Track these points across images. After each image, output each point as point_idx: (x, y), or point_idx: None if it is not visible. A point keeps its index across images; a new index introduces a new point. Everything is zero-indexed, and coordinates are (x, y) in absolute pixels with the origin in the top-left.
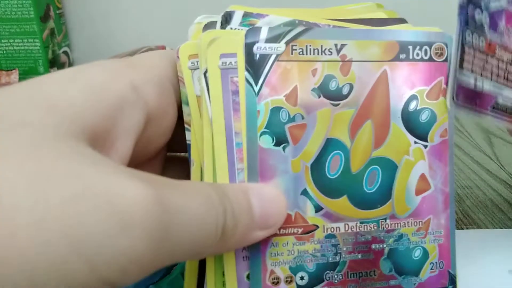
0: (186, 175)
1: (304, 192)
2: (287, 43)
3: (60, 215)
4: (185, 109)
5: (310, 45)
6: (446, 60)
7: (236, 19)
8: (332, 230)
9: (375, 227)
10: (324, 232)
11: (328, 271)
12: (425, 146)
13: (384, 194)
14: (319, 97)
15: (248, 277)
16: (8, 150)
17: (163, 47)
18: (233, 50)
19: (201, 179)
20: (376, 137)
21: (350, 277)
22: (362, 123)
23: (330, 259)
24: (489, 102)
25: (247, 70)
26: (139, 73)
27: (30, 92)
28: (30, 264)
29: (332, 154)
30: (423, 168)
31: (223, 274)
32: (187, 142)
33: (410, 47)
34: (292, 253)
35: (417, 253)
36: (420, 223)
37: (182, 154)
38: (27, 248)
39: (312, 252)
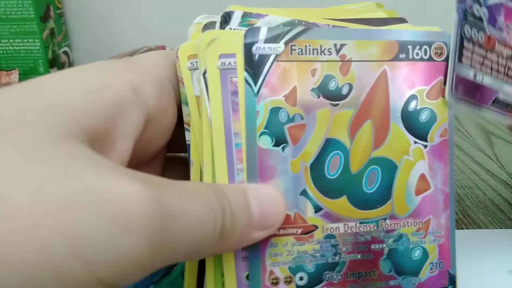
0: (186, 176)
1: (304, 193)
2: (286, 43)
3: (59, 216)
4: (184, 109)
5: (309, 45)
6: (446, 59)
7: (235, 19)
8: (332, 230)
9: (375, 227)
10: (323, 232)
11: (328, 272)
12: (425, 146)
13: (384, 194)
14: (319, 97)
15: (247, 277)
16: (7, 151)
17: (163, 47)
18: (232, 51)
19: (201, 179)
20: (375, 137)
21: (350, 277)
22: (361, 123)
23: (330, 259)
24: (490, 96)
25: (246, 70)
26: (138, 74)
27: (30, 93)
28: (29, 265)
29: (331, 154)
30: (423, 168)
31: (223, 275)
32: (187, 142)
33: (410, 47)
34: (292, 253)
35: (417, 253)
36: (420, 223)
37: (182, 154)
38: (25, 249)
39: (312, 253)
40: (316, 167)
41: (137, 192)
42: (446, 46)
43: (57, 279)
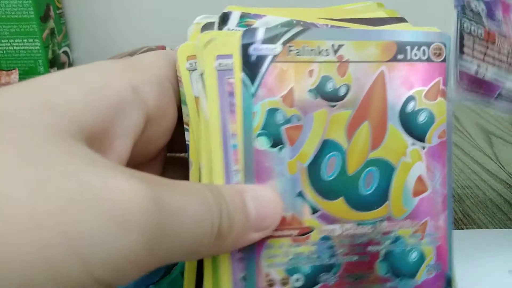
0: (186, 176)
1: (300, 194)
2: (283, 44)
3: (57, 214)
4: (184, 109)
5: (307, 46)
6: (444, 60)
7: (233, 19)
8: (328, 232)
9: (372, 229)
10: (319, 234)
11: (324, 273)
12: (423, 148)
13: (381, 196)
14: (316, 98)
15: (243, 278)
16: (6, 150)
17: (163, 47)
18: (229, 51)
19: (200, 180)
20: (373, 139)
21: (346, 279)
22: (359, 125)
23: (326, 261)
24: (495, 88)
25: (243, 71)
26: (138, 74)
27: (29, 92)
28: (26, 264)
29: (328, 155)
30: (420, 170)
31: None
32: (187, 142)
33: (408, 48)
34: (288, 255)
35: (414, 255)
36: (417, 225)
37: (183, 154)
38: (23, 248)
39: (308, 254)
40: (313, 168)
41: (135, 191)
42: (445, 47)
43: (55, 279)
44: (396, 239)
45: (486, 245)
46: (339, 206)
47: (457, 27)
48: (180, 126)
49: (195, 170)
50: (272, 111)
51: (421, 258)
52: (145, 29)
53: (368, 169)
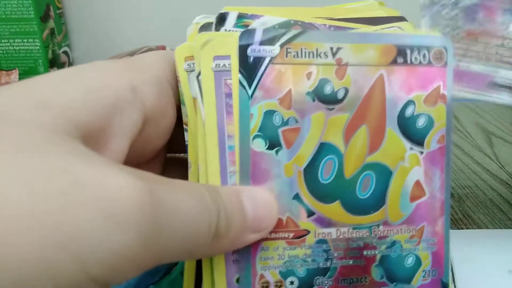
0: (186, 177)
1: (296, 197)
2: (281, 46)
3: (49, 210)
4: (184, 109)
5: (305, 48)
6: (445, 64)
7: (230, 20)
8: (324, 235)
9: (368, 233)
10: (315, 237)
11: (319, 277)
12: (421, 152)
13: (378, 200)
14: (314, 101)
15: (237, 280)
16: (3, 148)
17: (163, 47)
18: (227, 52)
19: (198, 181)
20: (371, 142)
21: (341, 283)
22: (357, 128)
23: (321, 264)
24: (482, 81)
25: (240, 72)
26: (137, 74)
27: (27, 92)
28: (16, 261)
29: (325, 158)
30: (418, 175)
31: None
32: (186, 142)
33: (408, 51)
34: (283, 257)
35: (410, 261)
36: (414, 230)
37: (182, 155)
38: (13, 245)
39: (303, 257)
40: (310, 171)
41: (131, 187)
42: (446, 51)
43: (45, 276)
44: (392, 244)
45: (486, 245)
46: (335, 209)
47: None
48: (179, 126)
49: (194, 170)
50: (269, 113)
51: (417, 263)
52: (145, 29)
53: (365, 173)
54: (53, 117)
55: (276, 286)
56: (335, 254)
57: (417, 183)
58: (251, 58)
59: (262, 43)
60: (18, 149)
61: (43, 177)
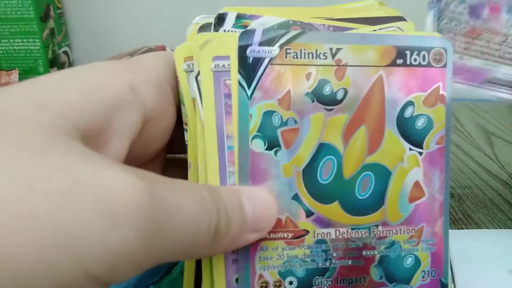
0: (186, 177)
1: (295, 197)
2: (281, 47)
3: (49, 210)
4: (183, 109)
5: (304, 49)
6: (445, 65)
7: (229, 21)
8: (323, 235)
9: (367, 234)
10: (314, 237)
11: (318, 277)
12: (420, 153)
13: (377, 201)
14: (313, 101)
15: (237, 280)
16: (3, 147)
17: (163, 47)
18: (226, 53)
19: (198, 181)
20: (370, 143)
21: (340, 283)
22: (356, 129)
23: (320, 264)
24: (481, 76)
25: (240, 73)
26: (137, 74)
27: (28, 92)
28: (13, 256)
29: (324, 159)
30: (417, 175)
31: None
32: (186, 143)
33: (408, 52)
34: (282, 257)
35: (409, 261)
36: (413, 230)
37: (183, 155)
38: (11, 243)
39: (302, 257)
40: (309, 171)
41: (130, 186)
42: (446, 52)
43: (43, 275)
44: (392, 244)
45: (486, 245)
46: (334, 209)
47: (435, 26)
48: (179, 126)
49: (193, 170)
50: (268, 114)
51: (416, 264)
52: (145, 29)
53: (364, 173)
54: (53, 117)
55: (275, 286)
56: (334, 254)
57: (416, 184)
58: (251, 59)
59: (261, 43)
60: (18, 149)
61: (43, 176)
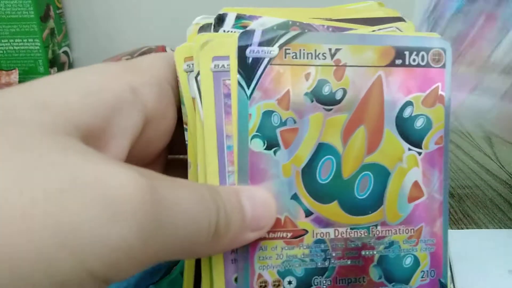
0: (187, 177)
1: (295, 197)
2: (280, 47)
3: (46, 204)
4: (184, 109)
5: (303, 49)
6: (444, 66)
7: (229, 21)
8: (322, 235)
9: (366, 234)
10: (313, 237)
11: (317, 276)
12: (419, 153)
13: (376, 201)
14: (312, 101)
15: (236, 280)
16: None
17: (163, 47)
18: (226, 53)
19: (197, 181)
20: (369, 143)
21: (339, 283)
22: (355, 129)
23: (319, 264)
24: (469, 84)
25: (239, 73)
26: (137, 76)
27: (25, 93)
28: (13, 255)
29: (323, 159)
30: (416, 175)
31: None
32: (186, 143)
33: (407, 53)
34: (281, 257)
35: (408, 261)
36: (412, 230)
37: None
38: (10, 239)
39: (301, 257)
40: (308, 171)
41: (132, 183)
42: (445, 53)
43: (42, 271)
44: (391, 244)
45: (486, 245)
46: (333, 209)
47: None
48: (180, 127)
49: (193, 170)
50: (267, 114)
51: (416, 264)
52: (145, 29)
53: (363, 173)
54: (53, 118)
55: (274, 285)
56: (333, 254)
57: (415, 184)
58: (250, 59)
59: (261, 44)
60: (18, 148)
61: (43, 175)
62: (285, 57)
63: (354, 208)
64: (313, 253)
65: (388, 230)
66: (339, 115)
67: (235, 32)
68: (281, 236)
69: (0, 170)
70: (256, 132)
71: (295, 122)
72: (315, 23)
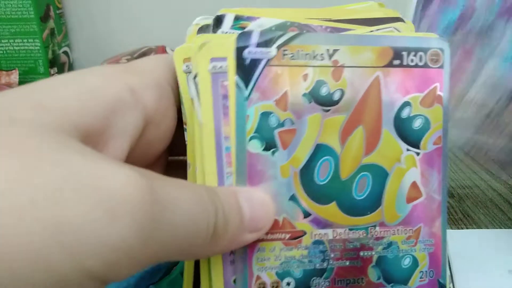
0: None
1: (293, 198)
2: (278, 48)
3: (42, 203)
4: (183, 111)
5: (301, 50)
6: (442, 66)
7: (227, 22)
8: (320, 236)
9: (364, 234)
10: (311, 238)
11: (315, 278)
12: (418, 154)
13: (374, 201)
14: (310, 102)
15: (235, 281)
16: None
17: (163, 47)
18: (223, 54)
19: (196, 181)
20: (367, 144)
21: (337, 284)
22: (353, 129)
23: (318, 265)
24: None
25: (237, 74)
26: (137, 77)
27: (25, 94)
28: (13, 256)
29: (321, 160)
30: (414, 176)
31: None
32: (186, 143)
33: (405, 53)
34: (279, 258)
35: (407, 262)
36: (411, 231)
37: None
38: (6, 238)
39: (299, 258)
40: (306, 172)
41: (131, 183)
42: (443, 53)
43: (39, 270)
44: (389, 245)
45: (486, 245)
46: (331, 210)
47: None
48: (180, 129)
49: (192, 171)
50: (265, 115)
51: (414, 264)
52: (145, 29)
53: (361, 174)
54: (53, 118)
55: (272, 287)
56: (332, 255)
57: (414, 184)
58: (248, 60)
59: (259, 45)
60: (18, 148)
61: (42, 175)
62: (283, 58)
63: (353, 209)
64: (311, 254)
65: (387, 231)
66: (337, 115)
67: (233, 33)
68: (279, 237)
69: (0, 170)
70: (254, 133)
71: (293, 123)
72: (313, 24)
